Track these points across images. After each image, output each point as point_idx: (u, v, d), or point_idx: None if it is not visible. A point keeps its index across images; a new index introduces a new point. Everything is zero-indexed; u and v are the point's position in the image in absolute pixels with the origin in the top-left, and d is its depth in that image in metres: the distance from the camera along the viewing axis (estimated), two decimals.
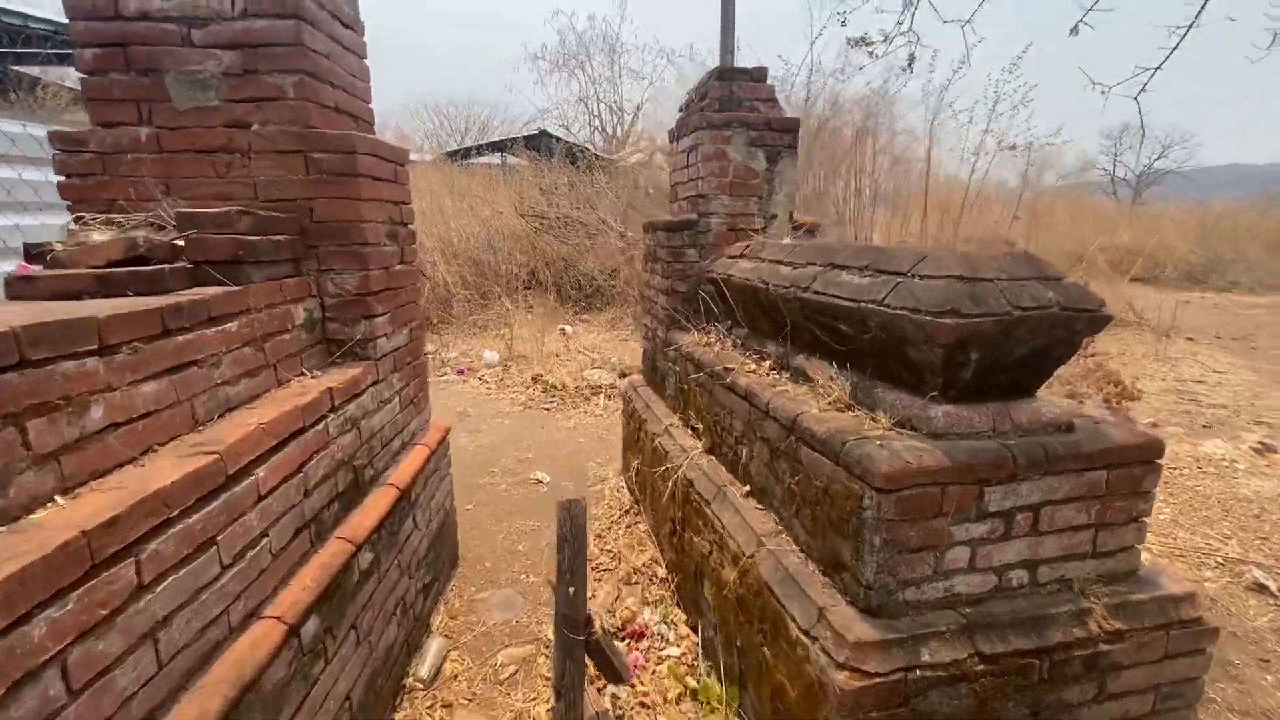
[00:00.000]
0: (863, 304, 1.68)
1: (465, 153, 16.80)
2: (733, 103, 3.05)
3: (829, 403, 1.78)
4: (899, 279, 1.60)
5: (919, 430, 1.54)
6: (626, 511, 3.35)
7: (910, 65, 3.16)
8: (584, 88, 25.37)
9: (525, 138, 15.09)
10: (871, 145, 10.34)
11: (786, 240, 2.65)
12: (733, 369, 2.31)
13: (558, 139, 15.59)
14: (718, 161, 3.01)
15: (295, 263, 2.05)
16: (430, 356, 7.00)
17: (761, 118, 3.04)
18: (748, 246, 2.77)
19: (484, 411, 5.26)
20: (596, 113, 26.03)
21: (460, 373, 6.38)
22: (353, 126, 2.28)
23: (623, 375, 5.77)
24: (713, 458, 2.47)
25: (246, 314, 1.68)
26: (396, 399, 2.42)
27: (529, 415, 5.17)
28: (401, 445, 2.48)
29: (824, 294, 1.87)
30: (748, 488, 2.12)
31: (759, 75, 3.10)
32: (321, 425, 1.80)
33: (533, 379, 5.87)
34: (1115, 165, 32.17)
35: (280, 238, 1.93)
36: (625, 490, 3.63)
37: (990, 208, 10.74)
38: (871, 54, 3.16)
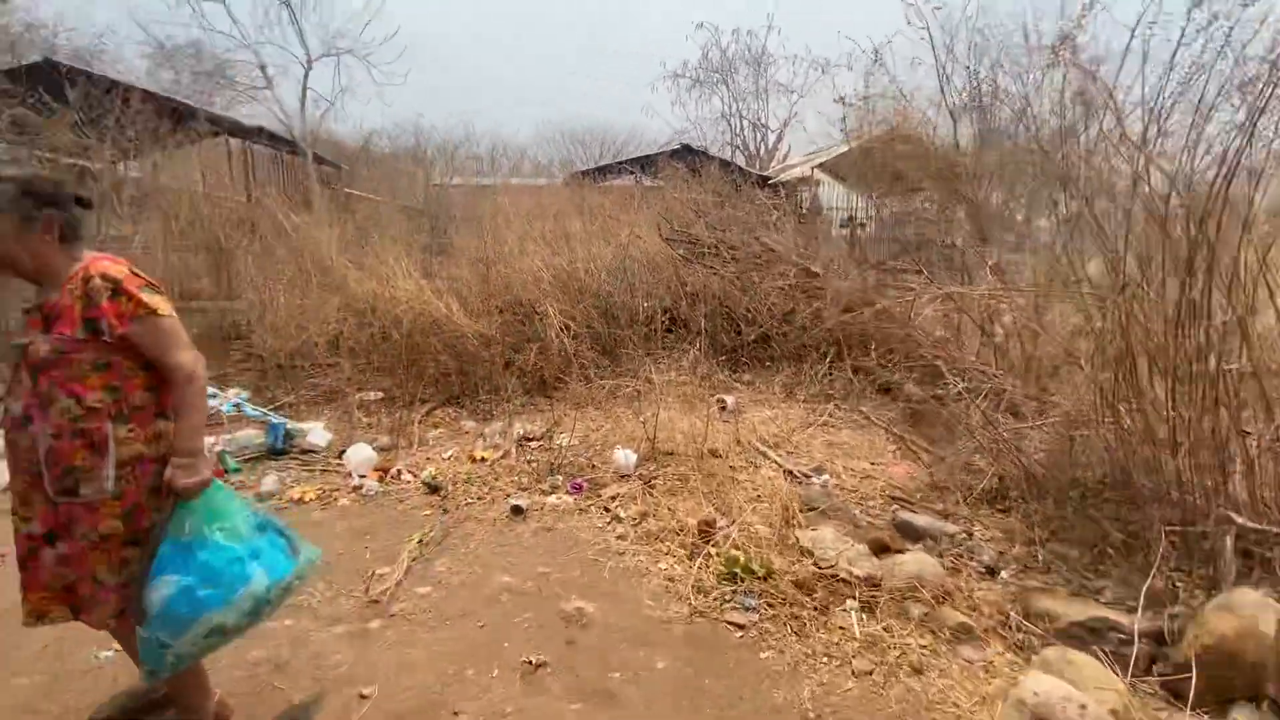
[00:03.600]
0: None
1: (601, 171, 14.95)
2: None
3: None
4: None
5: None
6: None
7: None
8: (726, 104, 23.11)
9: (670, 153, 12.96)
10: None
11: None
12: None
13: (708, 154, 13.28)
14: None
15: None
16: (534, 447, 4.66)
17: None
18: None
19: (615, 617, 2.70)
20: (739, 130, 23.67)
21: (576, 490, 3.93)
22: None
23: (881, 551, 2.96)
24: None
25: None
26: None
27: (706, 641, 2.53)
28: None
29: None
30: None
31: None
32: None
33: (700, 530, 3.24)
34: None
35: None
36: None
37: None
38: None
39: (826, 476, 4.07)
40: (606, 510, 3.70)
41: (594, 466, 4.27)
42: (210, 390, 4.72)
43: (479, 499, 3.89)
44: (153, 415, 1.70)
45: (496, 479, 4.15)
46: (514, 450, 4.57)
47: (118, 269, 1.67)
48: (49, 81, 5.97)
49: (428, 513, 3.74)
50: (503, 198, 10.29)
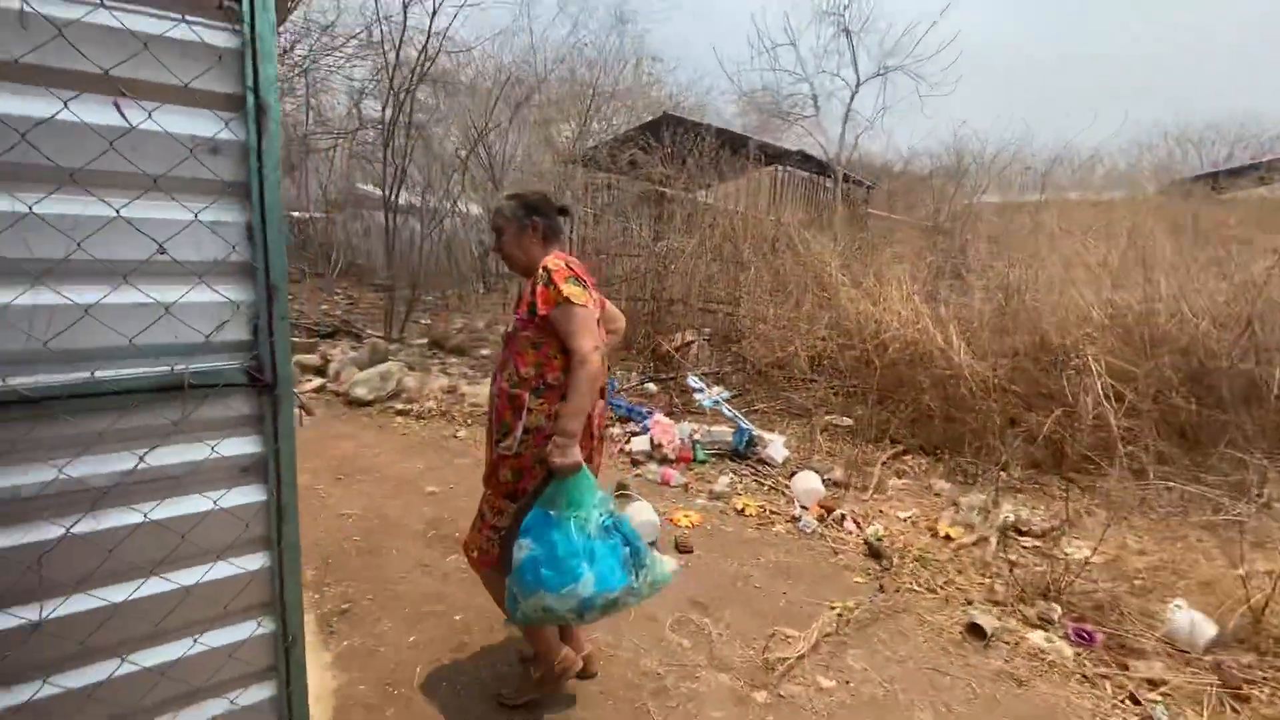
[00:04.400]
0: None
1: (1229, 176, 10.57)
2: None
3: None
4: None
5: None
6: None
7: None
8: None
9: None
10: None
11: None
12: None
13: None
14: None
15: None
16: (1027, 546, 3.39)
17: None
18: None
19: None
20: None
21: (1084, 640, 2.59)
22: None
23: None
24: None
25: None
26: None
27: None
28: None
29: None
30: None
31: None
32: None
33: None
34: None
35: None
36: None
37: None
38: None
39: None
40: (1133, 700, 2.29)
41: (1123, 614, 2.77)
42: (698, 384, 5.26)
43: (929, 590, 3.03)
44: (558, 396, 1.87)
45: (960, 572, 3.17)
46: (995, 540, 3.44)
47: (555, 263, 1.88)
48: (657, 129, 7.91)
49: (860, 580, 3.13)
50: (1048, 213, 8.32)
